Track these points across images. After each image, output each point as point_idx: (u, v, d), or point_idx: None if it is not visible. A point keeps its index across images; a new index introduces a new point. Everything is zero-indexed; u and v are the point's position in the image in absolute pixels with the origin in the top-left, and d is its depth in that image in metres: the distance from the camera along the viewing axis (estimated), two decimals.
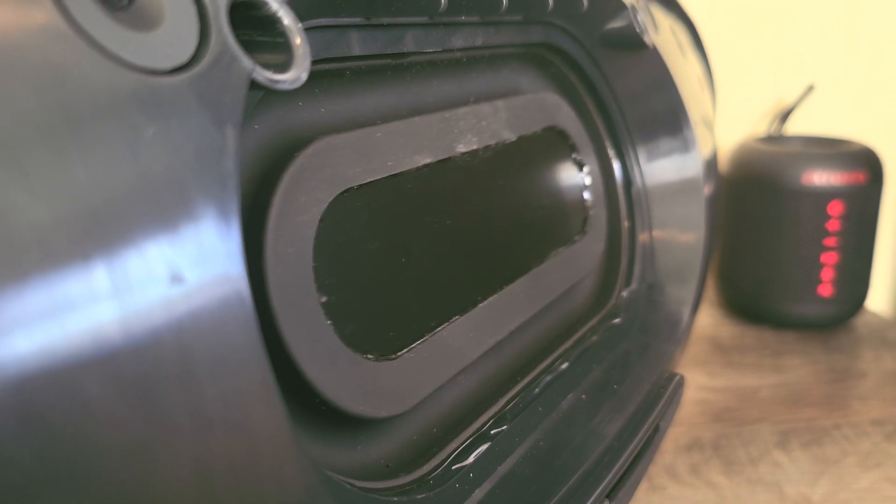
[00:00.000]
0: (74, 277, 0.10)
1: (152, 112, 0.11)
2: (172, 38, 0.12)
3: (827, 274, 0.52)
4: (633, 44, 0.29)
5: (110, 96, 0.11)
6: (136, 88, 0.11)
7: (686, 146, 0.30)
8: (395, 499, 0.18)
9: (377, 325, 0.19)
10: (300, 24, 0.14)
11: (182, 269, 0.12)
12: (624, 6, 0.28)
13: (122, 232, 0.11)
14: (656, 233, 0.31)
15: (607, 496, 0.21)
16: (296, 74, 0.14)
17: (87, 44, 0.11)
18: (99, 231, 0.11)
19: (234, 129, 0.12)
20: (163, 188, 0.11)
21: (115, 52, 0.11)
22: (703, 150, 0.33)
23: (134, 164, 0.11)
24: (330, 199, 0.17)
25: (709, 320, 0.56)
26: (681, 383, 0.26)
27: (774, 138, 0.58)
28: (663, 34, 0.32)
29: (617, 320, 0.29)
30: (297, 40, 0.14)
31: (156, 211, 0.11)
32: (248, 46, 0.14)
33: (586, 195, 0.29)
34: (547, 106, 0.27)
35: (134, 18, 0.12)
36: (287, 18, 0.14)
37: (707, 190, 0.32)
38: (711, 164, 0.36)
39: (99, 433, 0.11)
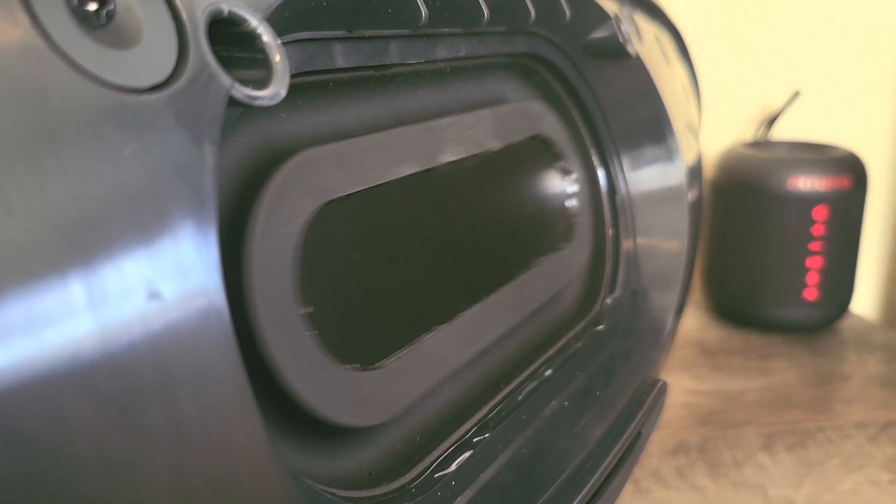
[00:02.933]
0: (52, 294, 0.11)
1: (130, 130, 0.12)
2: (151, 56, 0.12)
3: (812, 278, 0.53)
4: (617, 53, 0.29)
5: (88, 115, 0.11)
6: (114, 107, 0.12)
7: (670, 155, 0.30)
8: None
9: (360, 335, 0.19)
10: (279, 41, 0.14)
11: (159, 287, 0.12)
12: (607, 16, 0.28)
13: (99, 249, 0.11)
14: (640, 240, 0.31)
15: (588, 502, 0.21)
16: (274, 91, 0.14)
17: (64, 63, 0.11)
18: (76, 248, 0.11)
19: (213, 146, 0.13)
20: (141, 206, 0.11)
21: (93, 70, 0.12)
22: (687, 157, 0.33)
23: (112, 182, 0.11)
24: (311, 211, 0.18)
25: (696, 324, 0.57)
26: (663, 389, 0.26)
27: (761, 144, 0.58)
28: (647, 43, 0.32)
29: (601, 327, 0.29)
30: (277, 57, 0.14)
31: (134, 229, 0.11)
32: (228, 62, 0.14)
33: (571, 203, 0.29)
34: (531, 115, 0.27)
35: (112, 37, 0.12)
36: (266, 35, 0.14)
37: (691, 196, 0.33)
38: (696, 171, 0.36)
39: (78, 449, 0.11)
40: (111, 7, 0.12)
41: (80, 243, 0.11)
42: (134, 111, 0.12)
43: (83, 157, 0.11)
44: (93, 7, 0.12)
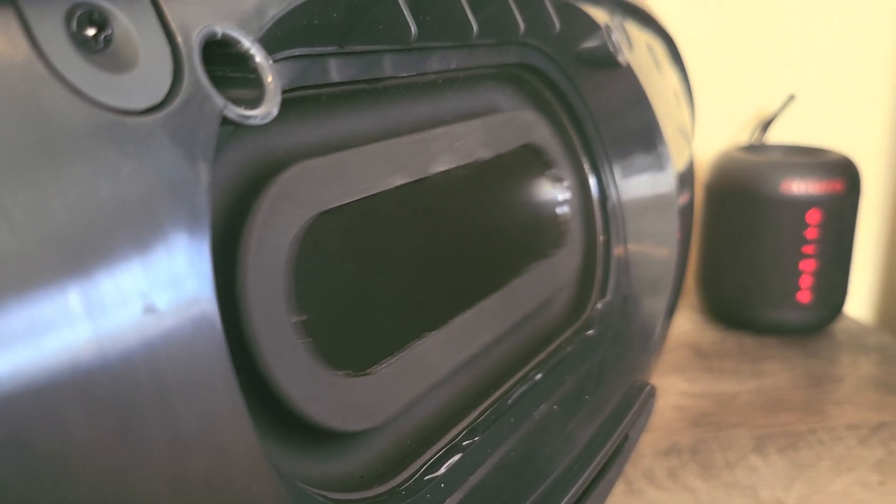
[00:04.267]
0: (51, 305, 0.11)
1: (128, 151, 0.12)
2: (147, 78, 0.13)
3: (805, 281, 0.54)
4: (607, 63, 0.30)
5: (86, 136, 0.12)
6: (111, 129, 0.12)
7: (660, 163, 0.31)
8: None
9: (352, 342, 0.20)
10: (271, 61, 0.15)
11: (154, 298, 0.12)
12: (597, 26, 0.29)
13: (97, 263, 0.12)
14: (631, 246, 0.31)
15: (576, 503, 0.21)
16: (266, 110, 0.14)
17: (63, 86, 0.12)
18: (75, 262, 0.11)
19: (207, 165, 0.13)
20: (137, 223, 0.12)
21: (91, 94, 0.12)
22: (678, 162, 0.34)
23: (110, 200, 0.12)
24: (304, 223, 0.18)
25: (690, 326, 0.57)
26: (652, 393, 0.27)
27: (755, 147, 0.59)
28: (638, 51, 0.33)
29: (591, 332, 0.30)
30: (269, 78, 0.14)
31: (130, 245, 0.12)
32: (221, 82, 0.15)
33: (562, 210, 0.29)
34: (523, 124, 0.28)
35: (109, 61, 0.13)
36: (259, 56, 0.15)
37: (682, 200, 0.33)
38: (687, 175, 0.37)
39: (79, 454, 0.11)
40: (109, 32, 0.13)
41: (79, 257, 0.11)
42: (130, 132, 0.12)
43: (81, 176, 0.12)
44: (91, 32, 0.13)
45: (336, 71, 0.20)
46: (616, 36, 0.30)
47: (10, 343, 0.11)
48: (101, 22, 0.13)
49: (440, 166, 0.23)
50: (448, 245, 0.24)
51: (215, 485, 0.13)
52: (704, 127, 0.63)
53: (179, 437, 0.12)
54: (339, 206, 0.19)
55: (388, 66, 0.22)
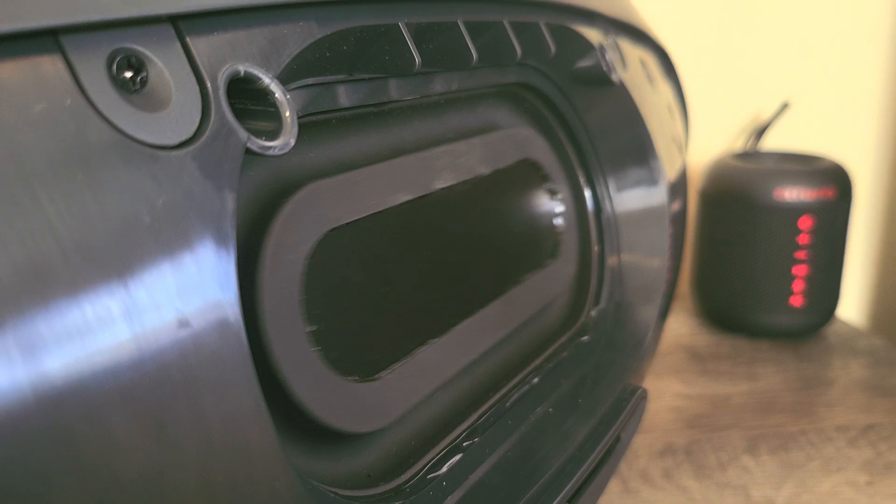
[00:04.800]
0: (98, 321, 0.13)
1: (163, 183, 0.14)
2: (179, 116, 0.14)
3: (798, 285, 0.55)
4: (601, 81, 0.31)
5: (128, 171, 0.13)
6: (149, 163, 0.14)
7: (653, 177, 0.32)
8: None
9: (360, 350, 0.22)
10: (288, 96, 0.16)
11: (187, 314, 0.14)
12: (591, 46, 0.30)
13: (138, 282, 0.13)
14: (624, 256, 0.33)
15: (569, 502, 0.23)
16: (284, 141, 0.16)
17: (107, 126, 0.13)
18: (119, 283, 0.13)
19: (233, 194, 0.15)
20: (172, 247, 0.13)
21: (130, 132, 0.14)
22: (670, 173, 0.35)
23: (150, 228, 0.13)
24: (316, 239, 0.20)
25: (685, 329, 0.59)
26: (643, 396, 0.28)
27: (749, 154, 0.60)
28: (632, 68, 0.34)
29: (585, 338, 0.31)
30: (287, 112, 0.16)
31: (167, 266, 0.13)
32: (242, 114, 0.16)
33: (558, 222, 0.31)
34: (521, 140, 0.29)
35: (145, 101, 0.14)
36: (278, 92, 0.16)
37: (675, 207, 0.35)
38: (680, 184, 0.38)
39: (120, 456, 0.13)
40: (144, 74, 0.14)
41: (122, 278, 0.13)
42: (165, 166, 0.14)
43: (124, 207, 0.13)
44: (128, 75, 0.14)
45: (344, 96, 0.22)
46: (610, 55, 0.31)
47: (61, 342, 0.12)
48: (138, 65, 0.14)
49: (442, 182, 0.25)
50: (449, 256, 0.26)
51: (240, 482, 0.14)
52: (700, 134, 0.65)
53: (209, 438, 0.14)
54: (348, 223, 0.21)
55: (394, 90, 0.23)
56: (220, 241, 0.14)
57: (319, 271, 0.20)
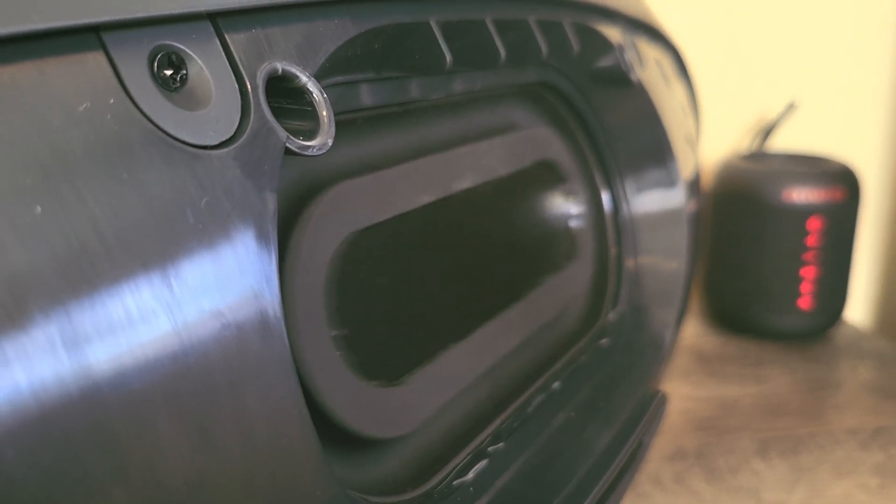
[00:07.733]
0: (139, 318, 0.12)
1: (205, 183, 0.13)
2: (219, 115, 0.14)
3: (806, 287, 0.55)
4: (620, 81, 0.31)
5: (169, 170, 0.13)
6: (191, 163, 0.13)
7: (671, 178, 0.32)
8: None
9: (383, 353, 0.21)
10: (325, 95, 0.16)
11: (231, 317, 0.13)
12: (611, 46, 0.30)
13: (181, 282, 0.13)
14: (642, 259, 0.33)
15: None
16: (322, 141, 0.16)
17: (148, 125, 0.13)
18: (161, 280, 0.13)
19: (273, 194, 0.14)
20: (216, 249, 0.13)
21: (172, 132, 0.13)
22: (686, 171, 0.35)
23: (194, 229, 0.13)
24: (340, 242, 0.19)
25: (694, 332, 0.59)
26: (663, 400, 0.28)
27: (756, 155, 0.60)
28: (649, 68, 0.34)
29: (604, 341, 0.31)
30: (324, 112, 0.16)
31: (210, 267, 0.13)
32: (279, 112, 0.16)
33: (576, 223, 0.31)
34: (540, 140, 0.29)
35: (186, 99, 0.14)
36: (315, 91, 0.16)
37: (690, 208, 0.34)
38: (694, 184, 0.38)
39: (163, 460, 0.12)
40: (184, 72, 0.14)
41: (166, 274, 0.13)
42: (206, 166, 0.13)
43: (167, 205, 0.13)
44: (168, 72, 0.14)
45: (371, 96, 0.21)
46: (629, 55, 0.31)
47: (105, 339, 0.12)
48: (178, 63, 0.14)
49: (465, 183, 0.24)
50: (470, 260, 0.26)
51: (283, 487, 0.14)
52: (707, 134, 0.65)
53: (253, 444, 0.14)
54: (371, 226, 0.20)
55: (416, 90, 0.23)
56: (262, 241, 0.14)
57: (343, 274, 0.20)
